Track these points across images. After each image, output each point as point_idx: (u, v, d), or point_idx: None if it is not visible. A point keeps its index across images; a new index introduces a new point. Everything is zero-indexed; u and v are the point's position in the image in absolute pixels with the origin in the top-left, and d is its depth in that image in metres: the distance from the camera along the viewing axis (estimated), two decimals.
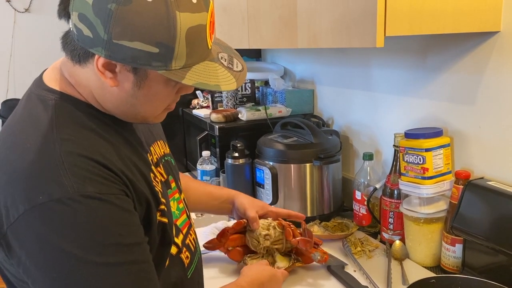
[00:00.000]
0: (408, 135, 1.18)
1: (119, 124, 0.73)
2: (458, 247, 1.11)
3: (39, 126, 0.65)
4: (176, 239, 0.77)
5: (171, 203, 0.79)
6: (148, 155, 0.77)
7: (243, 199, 1.15)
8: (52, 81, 0.70)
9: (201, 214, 1.48)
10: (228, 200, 1.17)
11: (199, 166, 1.71)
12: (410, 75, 1.32)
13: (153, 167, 0.76)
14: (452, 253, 1.12)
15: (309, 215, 1.45)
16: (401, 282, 1.10)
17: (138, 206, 0.67)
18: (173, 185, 0.82)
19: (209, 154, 1.70)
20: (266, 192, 1.45)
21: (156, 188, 0.73)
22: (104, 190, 0.62)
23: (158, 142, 0.85)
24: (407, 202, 1.21)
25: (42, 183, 0.60)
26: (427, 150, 1.12)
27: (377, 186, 1.35)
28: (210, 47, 0.67)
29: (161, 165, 0.80)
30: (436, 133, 1.15)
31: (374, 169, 1.41)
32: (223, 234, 1.15)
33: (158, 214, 0.72)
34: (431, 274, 1.12)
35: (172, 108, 0.74)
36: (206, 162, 1.70)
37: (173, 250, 0.76)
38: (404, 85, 1.35)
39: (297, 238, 1.11)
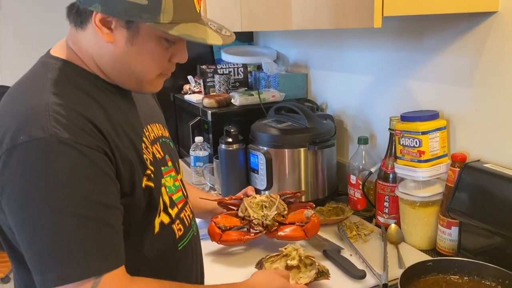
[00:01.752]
0: (404, 118, 1.16)
1: (119, 96, 0.77)
2: (454, 230, 1.11)
3: (38, 82, 0.71)
4: (170, 210, 0.80)
5: (167, 179, 0.82)
6: (144, 130, 0.80)
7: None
8: (57, 51, 0.76)
9: None
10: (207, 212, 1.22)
11: (192, 152, 1.68)
12: (406, 57, 1.30)
13: (146, 139, 0.78)
14: (448, 236, 1.12)
15: (303, 200, 1.44)
16: (397, 266, 1.09)
17: (121, 167, 0.70)
18: (169, 163, 0.85)
19: (202, 140, 1.68)
20: (261, 178, 1.44)
21: (144, 156, 0.76)
22: (82, 141, 0.64)
23: (157, 124, 0.88)
24: (402, 186, 1.20)
25: (26, 126, 0.64)
26: (423, 133, 1.11)
27: (372, 170, 1.34)
28: (198, 10, 0.72)
29: (158, 144, 0.83)
30: (432, 115, 1.14)
31: (369, 153, 1.40)
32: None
33: (144, 179, 0.74)
34: (427, 257, 1.12)
35: (168, 75, 0.79)
36: (199, 148, 1.68)
37: (165, 219, 0.79)
38: (400, 67, 1.33)
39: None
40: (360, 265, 1.09)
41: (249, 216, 1.17)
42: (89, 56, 0.75)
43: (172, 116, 2.07)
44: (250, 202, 1.20)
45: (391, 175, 1.26)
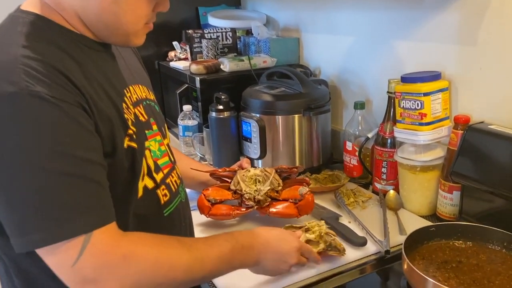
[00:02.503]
0: (405, 79, 1.11)
1: (98, 54, 0.72)
2: (456, 195, 1.08)
3: (6, 36, 0.65)
4: (155, 175, 0.77)
5: (152, 142, 0.78)
6: (125, 91, 0.75)
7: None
8: (29, 6, 0.69)
9: None
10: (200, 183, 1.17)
11: (180, 122, 1.61)
12: (405, 16, 1.24)
13: (127, 100, 0.74)
14: (449, 201, 1.09)
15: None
16: (397, 232, 1.06)
17: (100, 124, 0.65)
18: (154, 127, 0.81)
19: (191, 109, 1.61)
20: (254, 146, 1.38)
21: (126, 116, 0.71)
22: (57, 95, 0.59)
23: (140, 86, 0.82)
24: (402, 151, 1.16)
25: None
26: (425, 94, 1.06)
27: (369, 135, 1.29)
28: None
29: (141, 106, 0.78)
30: (434, 76, 1.09)
31: (365, 119, 1.35)
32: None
33: (126, 139, 0.70)
34: (427, 223, 1.10)
35: (151, 27, 0.74)
36: (187, 117, 1.61)
37: (149, 183, 0.75)
38: (398, 27, 1.27)
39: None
40: (359, 232, 1.05)
41: (241, 190, 1.11)
42: (71, 10, 0.68)
43: (158, 85, 1.98)
44: (243, 175, 1.14)
45: (389, 140, 1.22)
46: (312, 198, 1.08)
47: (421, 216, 1.15)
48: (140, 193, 0.74)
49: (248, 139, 1.40)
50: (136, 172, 0.73)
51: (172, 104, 1.81)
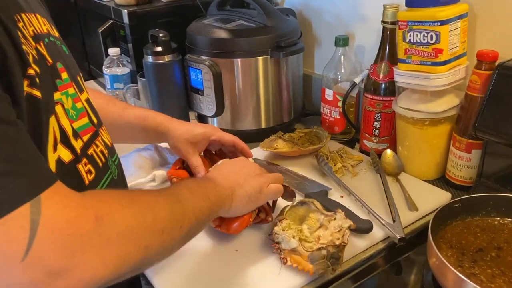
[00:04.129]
0: (413, 2, 0.82)
1: None
2: (475, 154, 0.84)
3: None
4: (73, 142, 0.54)
5: (63, 96, 0.54)
6: (17, 18, 0.49)
7: (176, 133, 0.84)
8: None
9: None
10: (155, 135, 0.85)
11: (106, 70, 1.24)
12: None
13: (24, 30, 0.49)
14: (466, 162, 0.85)
15: (264, 126, 1.10)
16: (406, 207, 0.82)
17: None
18: (64, 75, 0.56)
19: (119, 52, 1.23)
20: (207, 100, 1.06)
21: (24, 47, 0.47)
22: None
23: (39, 16, 0.56)
24: (404, 99, 0.90)
25: None
26: (442, 22, 0.78)
27: (357, 80, 1.01)
28: None
29: (42, 44, 0.53)
30: None
31: (349, 60, 1.06)
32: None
33: (26, 82, 0.47)
34: (442, 193, 0.86)
35: None
36: (115, 63, 1.23)
37: (65, 155, 0.53)
38: None
39: None
40: (357, 210, 0.80)
41: None
42: None
43: (75, 23, 1.56)
44: None
45: (383, 86, 0.95)
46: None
47: (426, 181, 0.91)
48: (54, 169, 0.51)
49: (199, 91, 1.07)
50: (42, 137, 0.49)
51: (95, 46, 1.40)
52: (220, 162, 0.79)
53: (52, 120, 0.50)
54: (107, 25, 1.25)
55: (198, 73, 1.05)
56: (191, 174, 0.85)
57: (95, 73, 1.52)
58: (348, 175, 0.93)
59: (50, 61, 0.53)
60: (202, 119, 1.14)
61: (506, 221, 0.73)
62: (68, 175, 0.53)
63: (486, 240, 0.70)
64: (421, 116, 0.87)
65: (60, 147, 0.52)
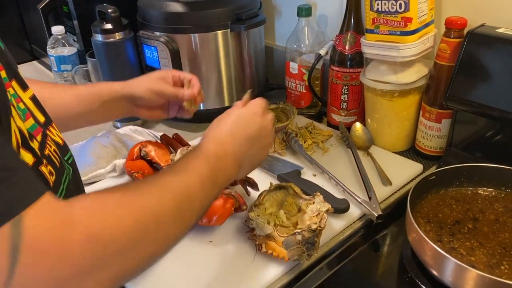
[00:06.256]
0: None
1: None
2: (445, 124, 0.83)
3: None
4: (32, 144, 0.48)
5: (12, 97, 0.48)
6: None
7: (140, 81, 0.75)
8: None
9: None
10: (113, 98, 0.74)
11: (51, 51, 1.13)
12: None
13: None
14: (436, 132, 0.85)
15: (228, 104, 1.05)
16: (379, 182, 0.81)
17: None
18: (3, 74, 0.48)
19: (63, 31, 1.12)
20: None
21: None
22: None
23: None
24: (372, 71, 0.87)
25: None
26: None
27: (322, 52, 0.97)
28: None
29: None
30: None
31: (313, 30, 1.02)
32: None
33: None
34: (413, 165, 0.85)
35: None
36: (60, 43, 1.12)
37: (28, 159, 0.47)
38: None
39: None
40: (331, 189, 0.78)
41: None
42: None
43: (12, 1, 1.41)
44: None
45: (349, 57, 0.92)
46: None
47: (396, 153, 0.90)
48: None
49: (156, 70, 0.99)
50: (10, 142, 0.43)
51: (37, 25, 1.28)
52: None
53: (12, 122, 0.44)
54: (47, 0, 1.13)
55: (153, 51, 0.98)
56: (150, 164, 0.80)
57: (38, 53, 1.39)
58: (319, 152, 0.91)
59: None
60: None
61: (479, 191, 0.73)
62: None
63: (461, 212, 0.69)
64: (390, 88, 0.84)
65: (22, 151, 0.46)
